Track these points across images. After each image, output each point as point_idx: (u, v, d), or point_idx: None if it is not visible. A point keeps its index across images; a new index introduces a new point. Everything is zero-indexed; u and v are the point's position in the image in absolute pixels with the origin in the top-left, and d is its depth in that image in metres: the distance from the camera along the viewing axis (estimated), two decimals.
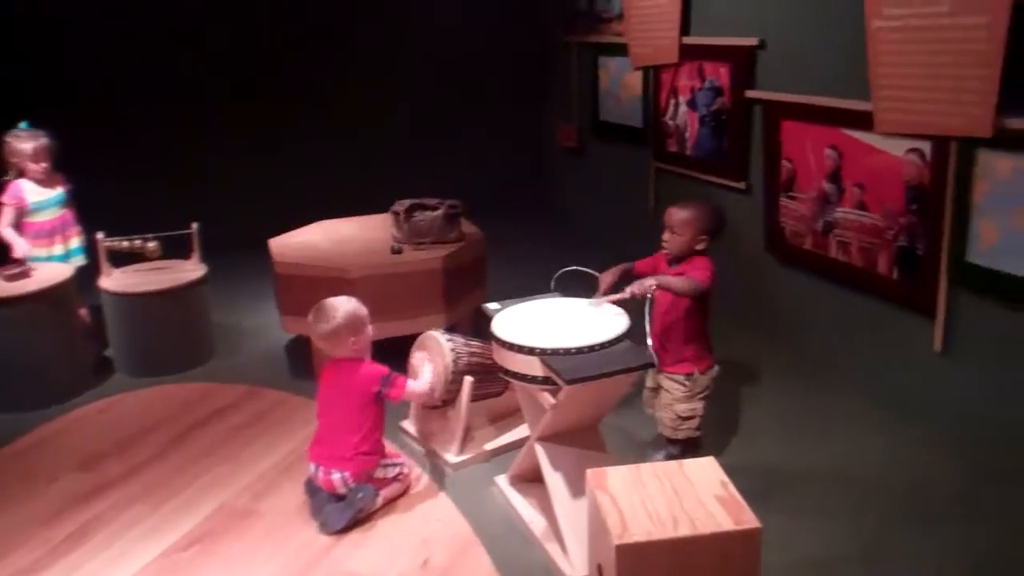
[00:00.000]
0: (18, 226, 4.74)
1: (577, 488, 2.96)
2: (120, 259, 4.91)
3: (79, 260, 4.91)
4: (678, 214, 3.29)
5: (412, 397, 3.54)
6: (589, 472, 2.51)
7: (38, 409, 4.33)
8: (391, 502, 3.39)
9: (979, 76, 3.33)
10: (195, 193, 5.08)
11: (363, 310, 3.38)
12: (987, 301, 3.54)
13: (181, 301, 4.75)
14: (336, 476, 3.29)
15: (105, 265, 4.82)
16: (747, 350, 4.49)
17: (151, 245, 4.85)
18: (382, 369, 3.37)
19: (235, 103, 7.05)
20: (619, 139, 6.26)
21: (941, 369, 3.80)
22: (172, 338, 4.76)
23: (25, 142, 4.71)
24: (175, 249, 4.96)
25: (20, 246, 4.66)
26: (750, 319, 4.77)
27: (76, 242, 4.94)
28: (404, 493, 3.45)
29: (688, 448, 3.34)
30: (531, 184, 7.72)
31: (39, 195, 4.78)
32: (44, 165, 4.76)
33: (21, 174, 4.75)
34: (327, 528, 3.23)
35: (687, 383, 3.26)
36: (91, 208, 4.98)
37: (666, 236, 3.29)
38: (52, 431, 4.17)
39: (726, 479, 2.46)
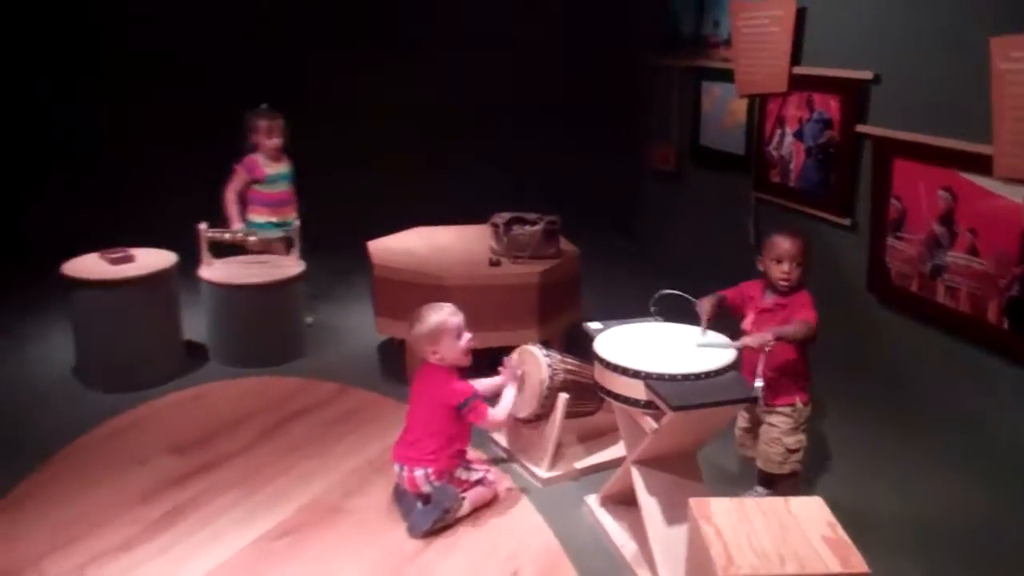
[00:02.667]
0: (243, 194, 5.15)
1: (672, 515, 2.94)
2: (222, 250, 5.04)
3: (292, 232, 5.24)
4: (796, 244, 3.24)
5: (488, 425, 3.57)
6: (692, 501, 2.49)
7: (133, 391, 4.45)
8: (478, 509, 3.41)
9: None
10: (299, 191, 5.20)
11: (451, 323, 3.39)
12: None
13: (279, 296, 4.85)
14: (419, 473, 3.33)
15: (206, 255, 4.94)
16: (839, 390, 4.40)
17: (252, 238, 4.97)
18: (467, 388, 3.40)
19: (341, 102, 7.20)
20: (719, 165, 6.20)
21: None
22: (268, 331, 4.85)
23: (263, 119, 5.11)
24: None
25: (235, 219, 5.07)
26: (844, 358, 4.68)
27: (293, 216, 5.26)
28: (492, 502, 3.47)
29: (788, 482, 3.30)
30: (623, 205, 7.70)
31: (271, 169, 5.16)
32: (276, 141, 5.14)
33: (255, 148, 5.12)
34: (414, 531, 3.26)
35: (793, 415, 3.23)
36: (195, 198, 5.10)
37: (786, 267, 3.22)
38: (146, 414, 4.28)
39: (833, 520, 2.41)
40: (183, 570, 3.06)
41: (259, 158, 5.14)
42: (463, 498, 3.36)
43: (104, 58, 6.93)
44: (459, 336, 3.40)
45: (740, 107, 5.84)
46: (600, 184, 7.67)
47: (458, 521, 3.33)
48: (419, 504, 3.33)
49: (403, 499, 3.42)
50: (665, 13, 6.77)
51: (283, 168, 5.23)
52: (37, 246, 5.05)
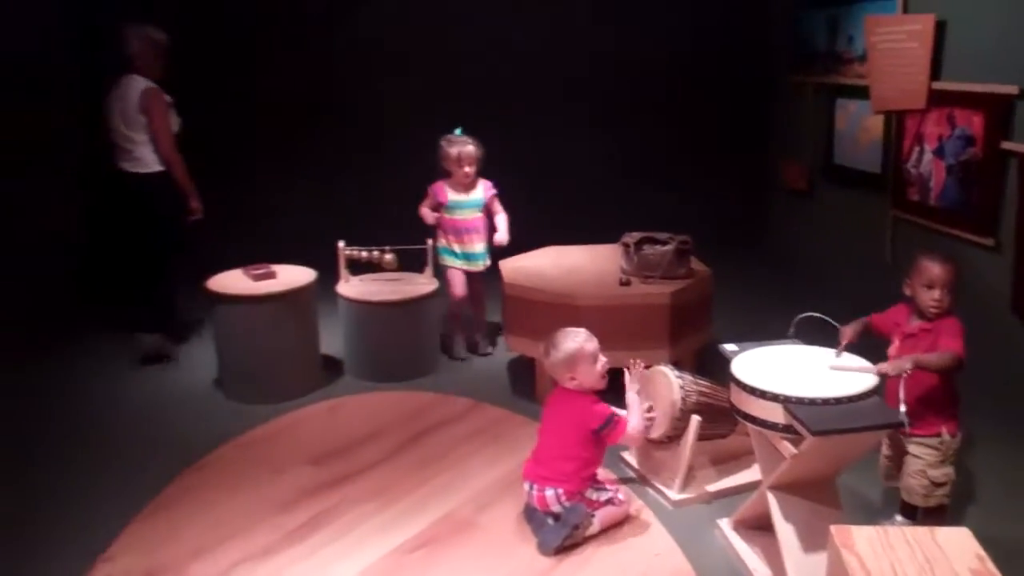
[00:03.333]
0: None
1: (809, 542, 2.89)
2: (358, 268, 5.19)
3: (479, 264, 5.21)
4: (948, 270, 3.13)
5: (629, 441, 3.58)
6: (833, 528, 2.44)
7: (272, 403, 4.63)
8: (608, 529, 3.42)
9: None
10: None
11: (587, 349, 3.41)
12: None
13: (412, 312, 4.96)
14: (549, 492, 3.36)
15: (344, 272, 5.11)
16: (982, 416, 4.23)
17: (388, 257, 5.11)
18: (605, 410, 3.42)
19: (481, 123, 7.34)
20: (854, 184, 6.06)
21: None
22: (401, 347, 4.97)
23: (452, 147, 5.02)
24: (410, 262, 5.21)
25: (427, 215, 5.10)
26: (987, 382, 4.49)
27: (481, 246, 5.19)
28: (622, 522, 3.47)
29: (933, 516, 3.19)
30: (754, 224, 7.60)
31: (455, 195, 5.08)
32: (466, 170, 5.04)
33: (448, 175, 5.09)
34: (544, 548, 3.29)
35: (939, 446, 3.12)
36: (338, 216, 5.26)
37: (937, 295, 3.12)
38: (285, 424, 4.45)
39: (982, 552, 2.33)
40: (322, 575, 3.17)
41: (445, 184, 5.10)
42: (592, 516, 3.37)
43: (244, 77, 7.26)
44: (595, 361, 3.42)
45: (876, 124, 5.71)
46: (732, 203, 7.60)
47: (588, 540, 3.34)
48: (549, 521, 3.37)
49: (533, 516, 3.45)
50: (797, 30, 6.68)
51: (471, 196, 5.12)
52: (184, 261, 5.31)
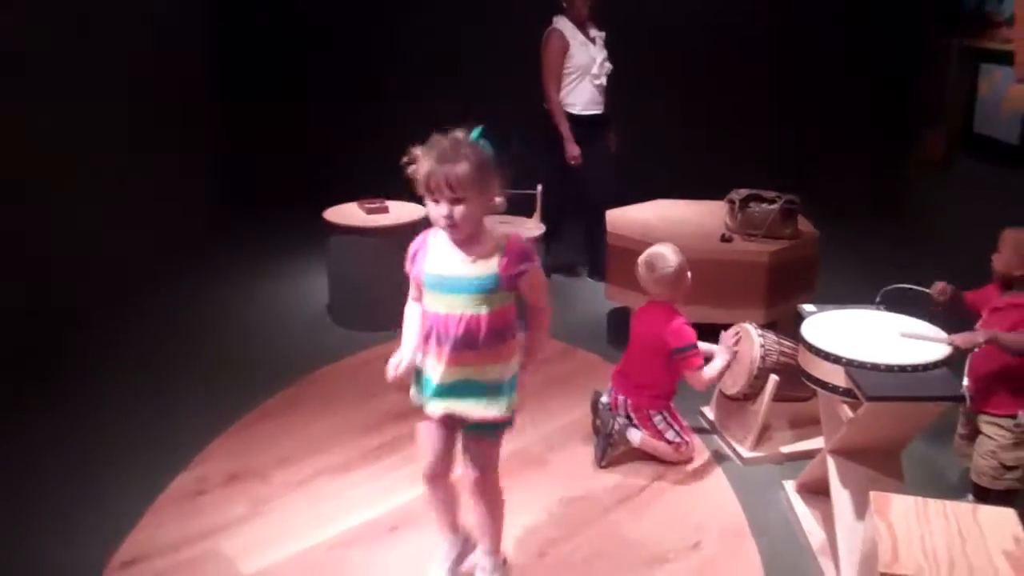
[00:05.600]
0: None
1: (863, 509, 2.84)
2: None
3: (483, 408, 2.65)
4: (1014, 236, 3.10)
5: (695, 381, 3.55)
6: (873, 495, 2.42)
7: (378, 331, 4.81)
8: (654, 457, 3.58)
9: None
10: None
11: (685, 264, 3.49)
12: None
13: None
14: (621, 398, 3.59)
15: None
16: None
17: (498, 199, 5.18)
18: (690, 336, 3.47)
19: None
20: (993, 155, 5.76)
21: None
22: None
23: (424, 160, 2.41)
24: (519, 207, 5.28)
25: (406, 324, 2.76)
26: None
27: (493, 371, 2.61)
28: (675, 464, 3.56)
29: (1005, 500, 3.06)
30: (889, 192, 7.29)
31: (436, 264, 2.55)
32: (445, 211, 2.43)
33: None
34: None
35: (1014, 428, 2.99)
36: None
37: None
38: (383, 352, 4.50)
39: (1022, 535, 2.27)
40: (390, 495, 3.37)
41: (429, 238, 2.61)
42: (640, 431, 3.56)
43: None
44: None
45: (1019, 93, 5.39)
46: (867, 170, 7.30)
47: (652, 483, 3.44)
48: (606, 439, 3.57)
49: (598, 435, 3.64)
50: None
51: (473, 269, 2.49)
52: (308, 190, 5.60)
